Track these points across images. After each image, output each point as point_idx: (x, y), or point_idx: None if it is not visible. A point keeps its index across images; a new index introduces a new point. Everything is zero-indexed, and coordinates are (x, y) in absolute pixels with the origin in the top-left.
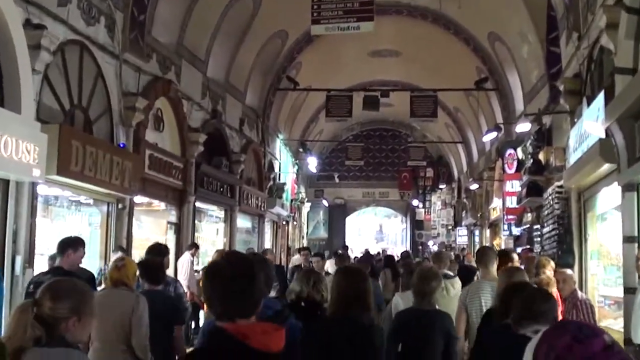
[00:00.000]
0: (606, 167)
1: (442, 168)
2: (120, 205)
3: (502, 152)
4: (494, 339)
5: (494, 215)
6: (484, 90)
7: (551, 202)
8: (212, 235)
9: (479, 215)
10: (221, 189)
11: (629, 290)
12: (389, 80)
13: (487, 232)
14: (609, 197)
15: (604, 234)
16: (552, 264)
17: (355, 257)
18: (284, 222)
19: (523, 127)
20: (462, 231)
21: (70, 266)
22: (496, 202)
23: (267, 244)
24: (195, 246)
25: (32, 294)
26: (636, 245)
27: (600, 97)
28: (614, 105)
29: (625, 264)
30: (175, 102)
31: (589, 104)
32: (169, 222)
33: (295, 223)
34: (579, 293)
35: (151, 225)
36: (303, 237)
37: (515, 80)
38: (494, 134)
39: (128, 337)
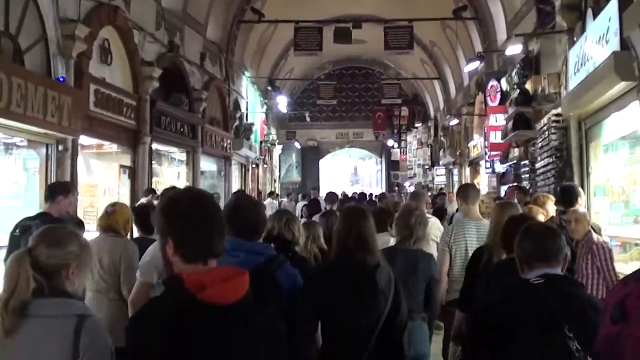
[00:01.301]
0: (619, 87)
1: (418, 106)
2: (61, 147)
3: (483, 85)
4: (499, 283)
5: (474, 152)
6: (463, 20)
7: (546, 134)
8: (173, 179)
9: (457, 153)
10: (181, 129)
11: None
12: (361, 15)
13: (467, 170)
14: (619, 123)
15: (610, 166)
16: (552, 200)
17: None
18: (254, 165)
19: (514, 49)
20: (439, 171)
21: (60, 213)
22: (477, 139)
23: (235, 188)
24: (152, 191)
25: (18, 238)
26: None
27: (613, 3)
28: (636, 7)
29: None
30: (124, 32)
31: (595, 16)
32: (122, 166)
33: (266, 166)
34: (595, 235)
35: (102, 170)
36: (275, 181)
37: (496, 8)
38: (476, 64)
39: (119, 286)
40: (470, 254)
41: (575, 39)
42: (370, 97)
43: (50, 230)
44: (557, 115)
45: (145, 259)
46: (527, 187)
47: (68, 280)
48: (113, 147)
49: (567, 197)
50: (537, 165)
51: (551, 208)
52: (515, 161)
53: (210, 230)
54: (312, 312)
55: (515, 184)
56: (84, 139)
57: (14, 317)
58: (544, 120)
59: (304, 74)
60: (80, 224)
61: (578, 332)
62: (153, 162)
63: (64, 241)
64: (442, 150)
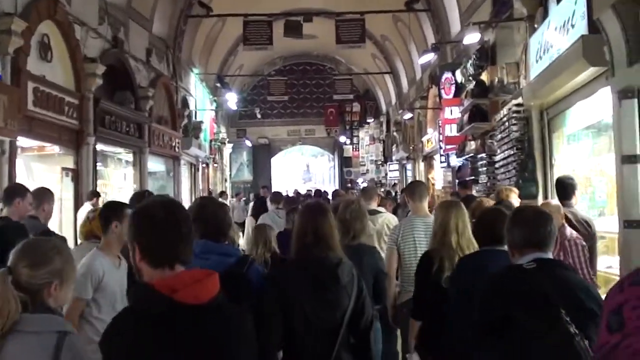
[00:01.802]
0: (587, 73)
1: (369, 102)
2: None
3: (437, 78)
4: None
5: (428, 147)
6: (415, 12)
7: (506, 125)
8: (119, 181)
9: (411, 148)
10: (127, 129)
11: (630, 225)
12: (311, 9)
13: (421, 165)
14: (584, 112)
15: (574, 157)
16: (516, 192)
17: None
18: (204, 165)
19: (470, 38)
20: (393, 166)
21: (20, 216)
22: (431, 133)
23: (185, 189)
24: (96, 195)
25: None
26: (639, 166)
27: None
28: None
29: (625, 190)
30: (64, 27)
31: (558, 0)
32: (64, 169)
33: (216, 165)
34: (568, 230)
35: (43, 173)
36: (226, 180)
37: None
38: (430, 55)
39: None
40: (419, 253)
41: (536, 25)
42: (322, 94)
43: (30, 248)
44: (518, 105)
45: (80, 272)
46: (485, 182)
47: (51, 297)
48: (55, 148)
49: (562, 191)
50: (497, 157)
51: (515, 201)
52: (472, 154)
53: (175, 236)
54: (276, 306)
55: (472, 177)
56: (23, 141)
57: (2, 339)
58: (504, 111)
59: (254, 70)
60: (46, 229)
61: (573, 315)
62: (98, 163)
63: (45, 260)
64: (395, 145)
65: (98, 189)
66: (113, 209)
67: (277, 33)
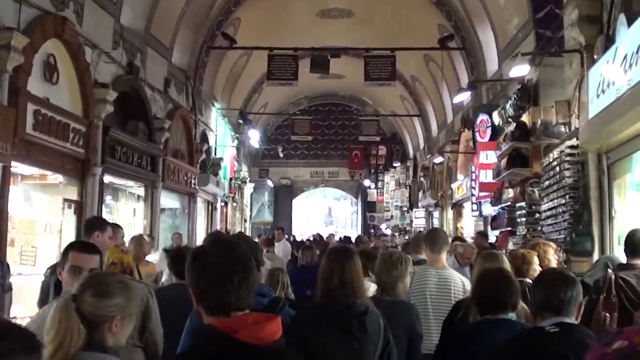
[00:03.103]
0: None
1: (396, 145)
2: None
3: (471, 120)
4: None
5: (458, 194)
6: (449, 50)
7: (557, 170)
8: (128, 217)
9: (439, 195)
10: (139, 161)
11: None
12: (339, 47)
13: (450, 213)
14: None
15: None
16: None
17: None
18: (222, 203)
19: (518, 70)
20: (418, 213)
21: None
22: (461, 180)
23: (201, 227)
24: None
25: (48, 279)
26: None
27: None
28: None
29: None
30: (73, 48)
31: (630, 23)
32: (66, 200)
33: (235, 205)
34: None
35: (43, 204)
36: (245, 221)
37: (487, 36)
38: (466, 94)
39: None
40: (429, 305)
41: (595, 56)
42: (347, 135)
43: (97, 278)
44: (571, 147)
45: (31, 321)
46: (524, 233)
47: (110, 333)
48: (59, 178)
49: (632, 248)
50: (543, 207)
51: (553, 258)
52: (509, 203)
53: (230, 285)
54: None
55: (509, 228)
56: (22, 168)
57: None
58: (554, 154)
59: (278, 109)
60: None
61: None
62: (108, 196)
63: (112, 292)
64: (421, 191)
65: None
66: None
67: (303, 72)
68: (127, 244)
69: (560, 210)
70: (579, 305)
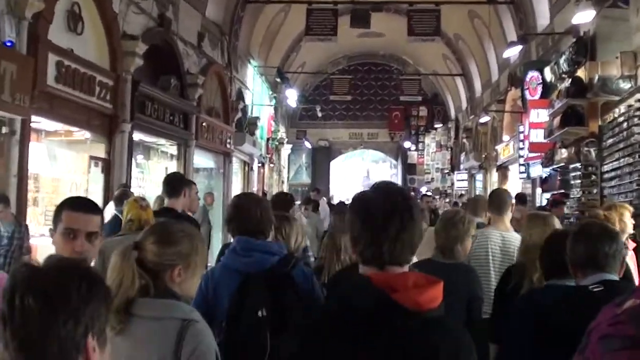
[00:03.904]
0: None
1: (437, 106)
2: (4, 130)
3: (519, 78)
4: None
5: (504, 155)
6: (497, 3)
7: (624, 126)
8: (160, 176)
9: (483, 156)
10: (171, 118)
11: None
12: (380, 1)
13: (494, 175)
14: None
15: None
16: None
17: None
18: (259, 164)
19: (582, 16)
20: (460, 176)
21: (185, 207)
22: (506, 141)
23: (236, 188)
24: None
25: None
26: None
27: None
28: None
29: None
30: None
31: None
32: (92, 158)
33: (272, 165)
34: None
35: (69, 162)
36: (283, 182)
37: None
38: (517, 48)
39: None
40: (492, 268)
41: None
42: (387, 96)
43: (162, 227)
44: None
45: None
46: (579, 196)
47: (173, 282)
48: (85, 134)
49: None
50: (606, 167)
51: (629, 222)
52: (562, 164)
53: (382, 235)
54: None
55: (562, 191)
56: (45, 123)
57: (119, 316)
58: (620, 109)
59: (316, 69)
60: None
61: None
62: (139, 155)
63: (173, 240)
64: (463, 153)
65: (135, 183)
66: None
67: (342, 29)
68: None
69: (627, 171)
70: (622, 260)
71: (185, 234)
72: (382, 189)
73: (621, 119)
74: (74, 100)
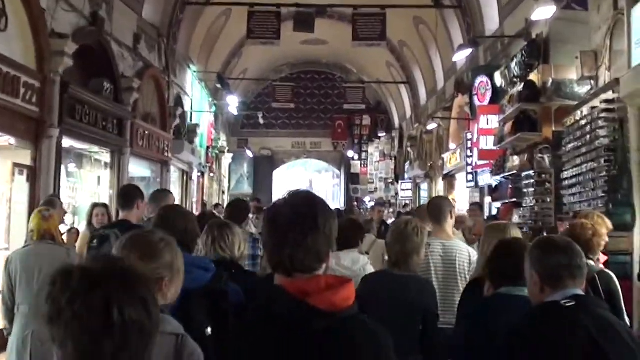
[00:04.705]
0: None
1: (381, 115)
2: None
3: (466, 84)
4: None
5: (451, 163)
6: (444, 8)
7: (587, 129)
8: (92, 185)
9: (428, 165)
10: (104, 123)
11: None
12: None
13: (440, 184)
14: None
15: None
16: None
17: None
18: (199, 174)
19: (543, 11)
20: (405, 185)
21: (138, 219)
22: (453, 149)
23: (175, 199)
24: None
25: (96, 250)
26: None
27: None
28: None
29: None
30: None
31: None
32: (16, 165)
33: (212, 175)
34: None
35: None
36: (224, 192)
37: None
38: (467, 51)
39: None
40: (434, 278)
41: None
42: (330, 104)
43: (140, 239)
44: (608, 102)
45: None
46: (532, 205)
47: (161, 293)
48: (9, 140)
49: None
50: (565, 174)
51: (605, 232)
52: (514, 172)
53: (284, 243)
54: None
55: (513, 199)
56: None
57: None
58: (582, 111)
59: (259, 76)
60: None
61: None
62: (70, 162)
63: (157, 252)
64: (408, 162)
65: (65, 192)
66: None
67: (285, 36)
68: None
69: (589, 177)
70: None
71: (165, 243)
72: (290, 198)
73: (583, 122)
74: None
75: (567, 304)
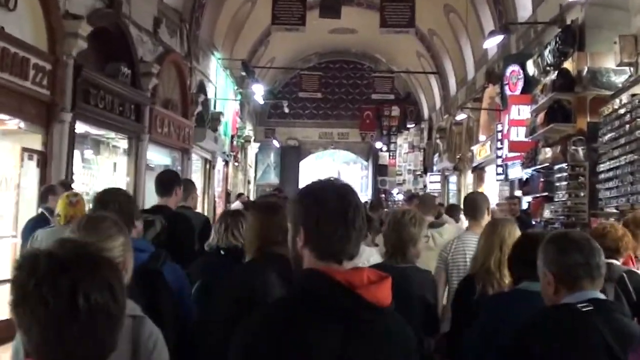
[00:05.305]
0: None
1: (410, 106)
2: None
3: (497, 74)
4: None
5: (480, 156)
6: None
7: (626, 118)
8: (107, 173)
9: (457, 157)
10: (121, 108)
11: None
12: None
13: (469, 177)
14: None
15: None
16: None
17: None
18: (223, 163)
19: None
20: (433, 177)
21: (175, 206)
22: (482, 141)
23: (197, 187)
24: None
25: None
26: None
27: None
28: None
29: None
30: None
31: None
32: (25, 149)
33: (237, 164)
34: None
35: None
36: (249, 182)
37: None
38: (498, 38)
39: None
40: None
41: None
42: (359, 95)
43: (93, 223)
44: None
45: None
46: (564, 199)
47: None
48: (19, 123)
49: None
50: (602, 167)
51: None
52: (546, 164)
53: (349, 229)
54: None
55: (545, 193)
56: None
57: None
58: (621, 99)
59: (287, 65)
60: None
61: None
62: (87, 148)
63: (112, 234)
64: (437, 154)
65: (79, 179)
66: None
67: (312, 24)
68: None
69: (628, 170)
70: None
71: (117, 226)
72: (332, 184)
73: (622, 110)
74: (4, 85)
75: (584, 308)
